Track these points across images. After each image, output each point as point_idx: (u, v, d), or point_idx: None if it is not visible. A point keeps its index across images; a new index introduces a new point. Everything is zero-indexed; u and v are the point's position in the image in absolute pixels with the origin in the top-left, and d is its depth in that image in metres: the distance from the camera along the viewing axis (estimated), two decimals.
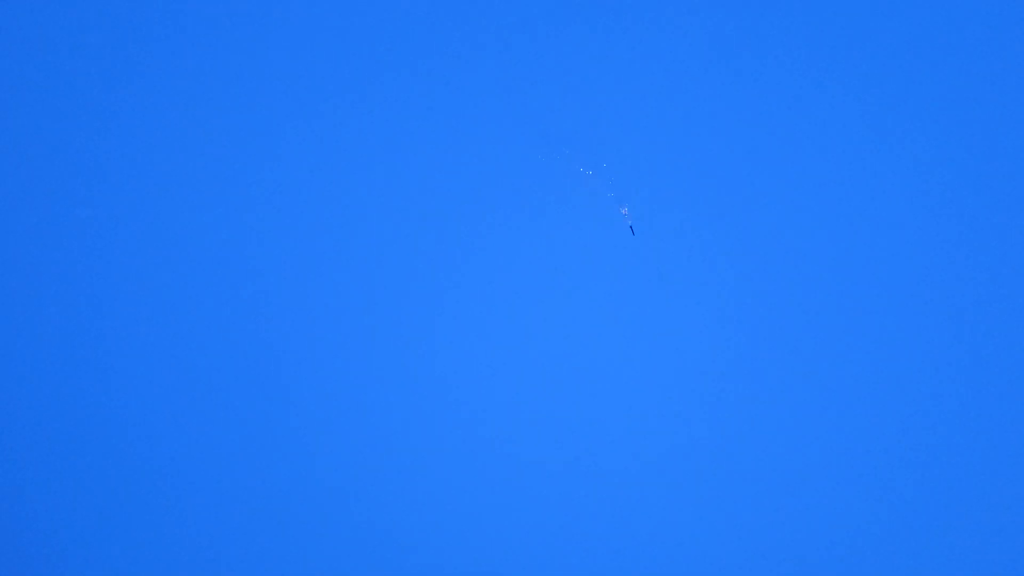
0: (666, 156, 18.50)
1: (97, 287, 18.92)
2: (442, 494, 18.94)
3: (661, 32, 18.40)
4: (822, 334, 18.22)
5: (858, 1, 17.88)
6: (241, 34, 18.84)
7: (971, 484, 17.76)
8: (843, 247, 18.09)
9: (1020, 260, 17.52)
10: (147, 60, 18.89)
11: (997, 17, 17.52)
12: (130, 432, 18.93)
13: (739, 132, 18.30)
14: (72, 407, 18.89)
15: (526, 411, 19.02)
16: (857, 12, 17.85)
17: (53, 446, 18.89)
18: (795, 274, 18.26)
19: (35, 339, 18.84)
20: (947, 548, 17.78)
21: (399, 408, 19.03)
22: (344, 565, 18.83)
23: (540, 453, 18.92)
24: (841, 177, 18.06)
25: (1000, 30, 17.53)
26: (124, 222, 18.93)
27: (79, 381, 18.89)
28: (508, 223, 18.96)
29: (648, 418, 18.82)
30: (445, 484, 18.95)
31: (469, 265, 19.02)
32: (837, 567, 18.01)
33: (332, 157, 18.92)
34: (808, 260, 18.22)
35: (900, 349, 18.01)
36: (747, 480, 18.41)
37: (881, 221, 18.00)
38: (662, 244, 18.53)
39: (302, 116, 18.92)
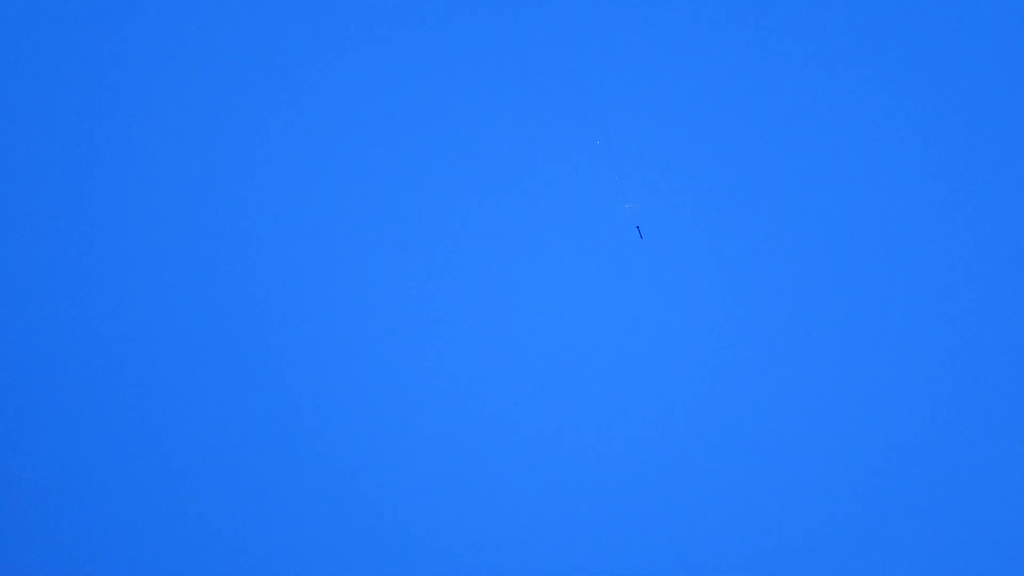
0: (668, 155, 18.56)
1: (99, 286, 18.82)
2: (442, 490, 18.96)
3: (663, 30, 18.46)
4: (823, 329, 18.33)
5: None
6: (235, 31, 18.77)
7: (969, 482, 17.92)
8: (847, 244, 18.21)
9: (1019, 260, 17.69)
10: (145, 59, 18.79)
11: (997, 17, 17.67)
12: (133, 425, 18.87)
13: (740, 132, 18.37)
14: (70, 405, 18.80)
15: (525, 405, 19.05)
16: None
17: (52, 440, 18.80)
18: (797, 272, 18.35)
19: (39, 338, 18.73)
20: (941, 542, 17.95)
21: (400, 404, 19.03)
22: (342, 560, 18.83)
23: (539, 447, 18.95)
24: (848, 174, 18.17)
25: (1000, 30, 17.69)
26: (124, 221, 18.84)
27: (79, 379, 18.80)
28: (506, 217, 18.98)
29: (646, 411, 18.90)
30: (445, 480, 18.96)
31: (467, 259, 19.03)
32: (840, 567, 18.15)
33: (323, 129, 18.88)
34: (811, 258, 18.32)
35: (897, 341, 18.16)
36: (747, 476, 18.50)
37: (889, 216, 18.13)
38: (666, 242, 18.60)
39: (305, 107, 18.88)
